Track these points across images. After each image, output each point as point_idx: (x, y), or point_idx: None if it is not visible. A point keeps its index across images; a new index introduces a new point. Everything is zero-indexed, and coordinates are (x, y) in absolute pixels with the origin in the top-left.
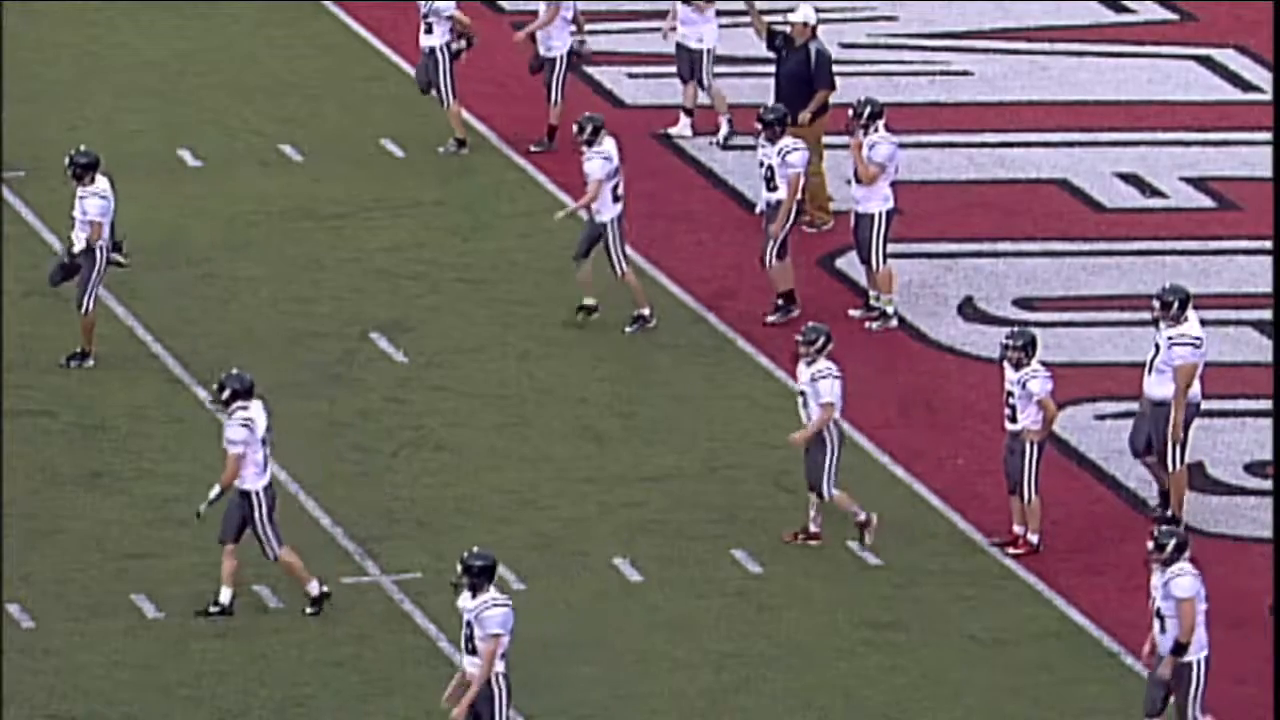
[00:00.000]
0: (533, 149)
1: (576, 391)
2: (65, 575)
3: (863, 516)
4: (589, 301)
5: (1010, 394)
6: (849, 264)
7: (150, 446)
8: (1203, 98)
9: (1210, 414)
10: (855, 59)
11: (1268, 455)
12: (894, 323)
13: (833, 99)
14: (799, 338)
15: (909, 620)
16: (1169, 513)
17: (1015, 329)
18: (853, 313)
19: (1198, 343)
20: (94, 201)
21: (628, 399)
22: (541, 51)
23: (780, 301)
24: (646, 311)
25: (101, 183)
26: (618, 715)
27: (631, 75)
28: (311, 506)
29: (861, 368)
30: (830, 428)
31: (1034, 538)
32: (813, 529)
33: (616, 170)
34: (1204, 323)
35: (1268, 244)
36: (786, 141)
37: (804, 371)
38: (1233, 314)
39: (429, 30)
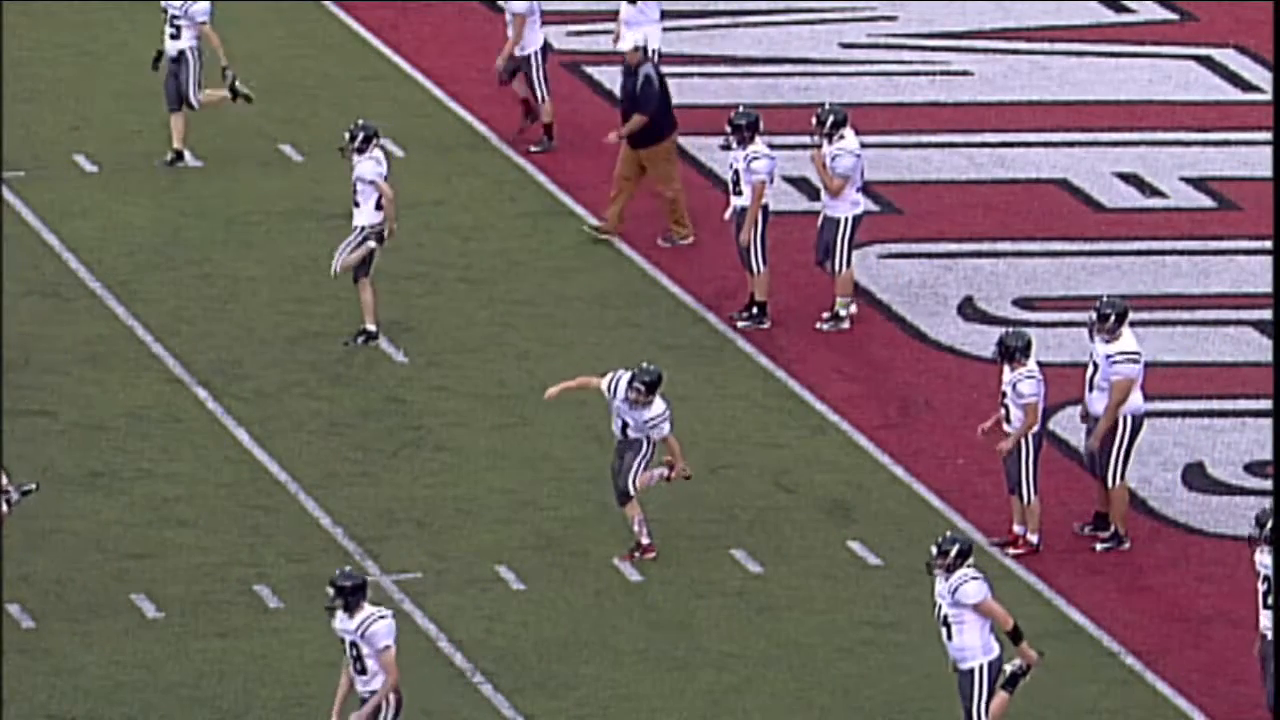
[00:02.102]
0: (533, 149)
1: (576, 392)
2: (65, 575)
3: (646, 541)
4: (370, 327)
5: (1005, 394)
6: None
7: (150, 446)
8: (1203, 98)
9: (1210, 414)
10: (855, 59)
11: (1268, 455)
12: (845, 325)
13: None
14: (629, 375)
15: (909, 620)
16: (1113, 530)
17: (1011, 330)
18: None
19: (1137, 357)
20: None
21: None
22: (515, 52)
23: (755, 310)
24: (373, 328)
25: None
26: (618, 715)
27: None
28: (311, 506)
29: (861, 368)
30: (645, 445)
31: (1034, 538)
32: (644, 541)
33: (386, 176)
34: (1204, 323)
35: (1268, 244)
36: (754, 148)
37: (630, 412)
38: (1233, 314)
39: (176, 34)
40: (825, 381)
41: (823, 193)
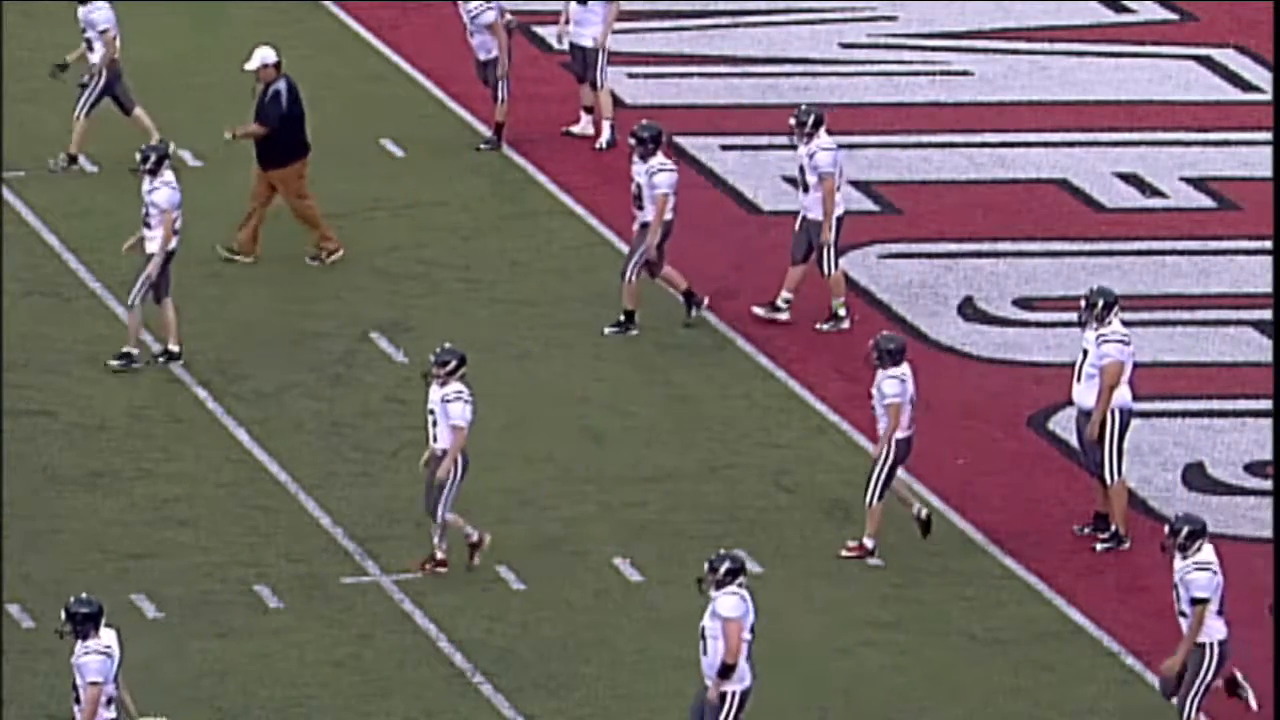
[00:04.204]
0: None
1: (576, 391)
2: (65, 575)
3: (475, 537)
4: (173, 347)
5: (872, 396)
6: (848, 264)
7: (150, 446)
8: (1203, 98)
9: (1210, 414)
10: (855, 59)
11: (1268, 455)
12: (845, 325)
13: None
14: (432, 358)
15: (909, 620)
16: (1113, 530)
17: (885, 334)
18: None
19: (1126, 340)
20: None
21: (628, 399)
22: (481, 56)
23: (622, 318)
24: (175, 348)
25: None
26: (618, 715)
27: (631, 75)
28: (311, 506)
29: (862, 368)
30: (457, 468)
31: (870, 542)
32: (439, 555)
33: (180, 201)
34: (1204, 323)
35: (1268, 244)
36: (655, 161)
37: (435, 393)
38: (1233, 314)
39: (90, 48)
40: (825, 381)
41: (801, 194)
